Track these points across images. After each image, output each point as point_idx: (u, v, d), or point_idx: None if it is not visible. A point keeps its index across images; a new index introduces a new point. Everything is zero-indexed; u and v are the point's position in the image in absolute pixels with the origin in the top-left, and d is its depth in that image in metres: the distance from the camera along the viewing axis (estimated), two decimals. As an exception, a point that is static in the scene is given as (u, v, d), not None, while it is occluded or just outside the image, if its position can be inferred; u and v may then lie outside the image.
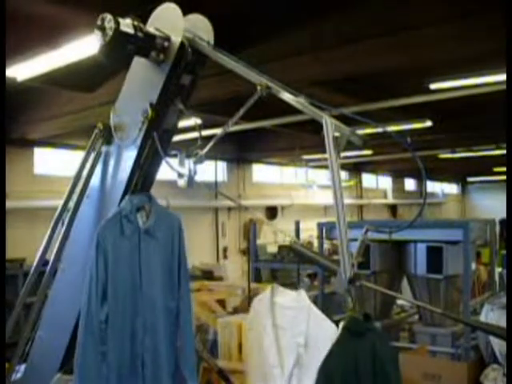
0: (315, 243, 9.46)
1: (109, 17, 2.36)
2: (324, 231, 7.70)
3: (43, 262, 2.98)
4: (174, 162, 2.61)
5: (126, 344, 2.59)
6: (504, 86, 6.07)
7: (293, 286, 7.77)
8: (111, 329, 2.56)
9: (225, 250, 15.24)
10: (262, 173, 17.08)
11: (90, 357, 2.52)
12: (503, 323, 4.26)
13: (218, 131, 2.49)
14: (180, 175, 2.56)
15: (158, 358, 2.65)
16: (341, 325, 2.01)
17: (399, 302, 7.98)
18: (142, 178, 2.75)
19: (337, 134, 1.99)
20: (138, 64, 2.66)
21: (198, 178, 2.59)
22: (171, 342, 2.72)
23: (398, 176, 24.43)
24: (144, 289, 2.64)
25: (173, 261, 2.72)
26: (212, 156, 13.49)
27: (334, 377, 1.96)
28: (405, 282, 7.36)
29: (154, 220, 2.66)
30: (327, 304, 7.78)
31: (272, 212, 16.54)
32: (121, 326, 2.59)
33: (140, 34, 2.42)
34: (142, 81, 2.68)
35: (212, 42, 2.55)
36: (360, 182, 21.65)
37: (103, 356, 2.55)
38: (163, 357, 2.67)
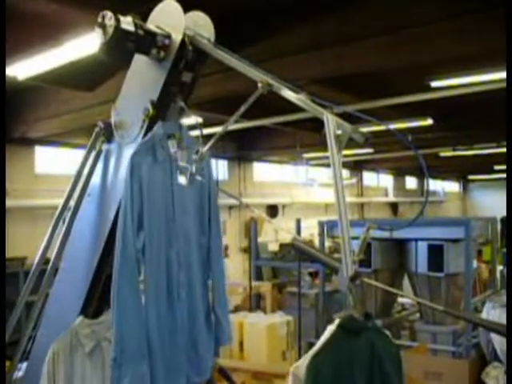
0: (316, 241, 9.47)
1: (109, 14, 2.36)
2: (325, 229, 7.71)
3: (44, 260, 2.98)
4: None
5: (162, 276, 2.51)
6: (505, 84, 6.06)
7: (294, 284, 7.79)
8: (147, 259, 2.48)
9: (226, 248, 15.23)
10: (263, 171, 17.07)
11: (127, 287, 2.41)
12: (504, 321, 4.26)
13: (218, 129, 2.48)
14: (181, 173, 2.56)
15: (193, 293, 2.60)
16: (335, 322, 1.99)
17: (400, 300, 7.98)
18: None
19: (338, 132, 1.99)
20: (139, 62, 2.65)
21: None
22: (204, 279, 2.67)
23: (399, 174, 24.42)
24: (177, 219, 2.55)
25: (203, 196, 2.67)
26: (212, 154, 13.47)
27: (322, 372, 1.90)
28: (406, 281, 7.37)
29: (185, 149, 2.55)
30: (328, 302, 7.79)
31: (273, 210, 16.53)
32: (156, 256, 2.50)
33: (140, 32, 2.41)
34: (142, 79, 2.67)
35: (213, 39, 2.54)
36: (361, 180, 21.65)
37: (140, 286, 2.46)
38: (197, 292, 2.62)
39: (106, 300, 2.71)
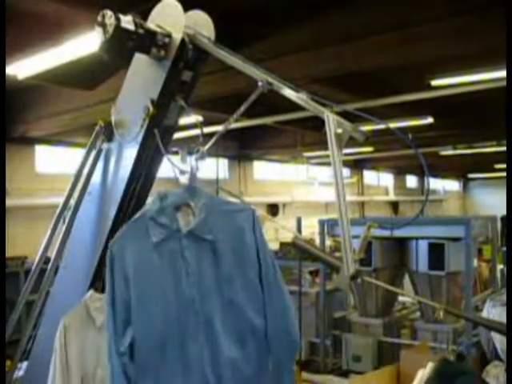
0: (317, 240, 9.47)
1: (109, 13, 2.36)
2: (326, 228, 7.70)
3: (45, 259, 2.98)
4: (175, 159, 2.60)
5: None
6: (505, 83, 6.05)
7: (294, 282, 7.78)
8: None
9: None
10: (263, 170, 17.07)
11: None
12: (505, 320, 4.26)
13: (218, 128, 2.48)
14: (182, 172, 2.56)
15: None
16: (431, 366, 1.91)
17: (401, 298, 7.97)
18: (143, 175, 2.74)
19: (339, 130, 1.99)
20: (139, 61, 2.65)
21: (199, 175, 2.58)
22: (261, 372, 2.17)
23: (400, 173, 24.42)
24: (198, 308, 2.11)
25: (245, 265, 2.17)
26: (213, 153, 13.46)
27: None
28: (406, 279, 7.36)
29: (203, 217, 2.15)
30: (329, 301, 7.78)
31: (273, 209, 16.52)
32: (170, 366, 2.10)
33: (141, 31, 2.41)
34: (142, 77, 2.67)
35: (213, 38, 2.54)
36: (361, 178, 21.65)
37: None
38: None
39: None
